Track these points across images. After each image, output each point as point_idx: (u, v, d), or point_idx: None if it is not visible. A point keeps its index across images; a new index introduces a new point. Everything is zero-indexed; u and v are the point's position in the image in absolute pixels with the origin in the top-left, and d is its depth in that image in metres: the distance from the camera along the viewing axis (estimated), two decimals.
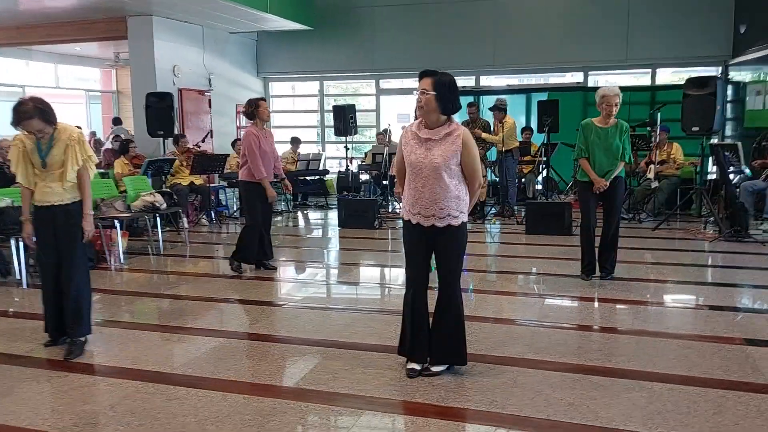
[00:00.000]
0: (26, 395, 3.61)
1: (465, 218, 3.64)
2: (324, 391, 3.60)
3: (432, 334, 3.76)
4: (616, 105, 5.56)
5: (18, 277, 6.16)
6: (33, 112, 4.00)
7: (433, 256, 3.73)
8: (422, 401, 3.45)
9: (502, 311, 5.22)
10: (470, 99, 11.03)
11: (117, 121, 14.68)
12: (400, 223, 3.87)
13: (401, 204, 3.78)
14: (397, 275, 6.60)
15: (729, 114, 11.82)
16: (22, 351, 4.35)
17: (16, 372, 3.97)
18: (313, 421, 3.26)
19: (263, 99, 6.63)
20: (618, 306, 5.25)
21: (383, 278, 6.70)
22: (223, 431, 3.14)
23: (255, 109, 6.37)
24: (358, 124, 11.50)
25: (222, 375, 3.87)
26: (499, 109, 9.59)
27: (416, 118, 3.78)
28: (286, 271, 6.84)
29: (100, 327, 4.77)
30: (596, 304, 5.34)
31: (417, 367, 3.77)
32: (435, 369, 3.75)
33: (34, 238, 4.31)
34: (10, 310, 5.47)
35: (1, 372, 3.97)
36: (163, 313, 5.33)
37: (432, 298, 3.78)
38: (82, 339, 4.33)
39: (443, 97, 3.50)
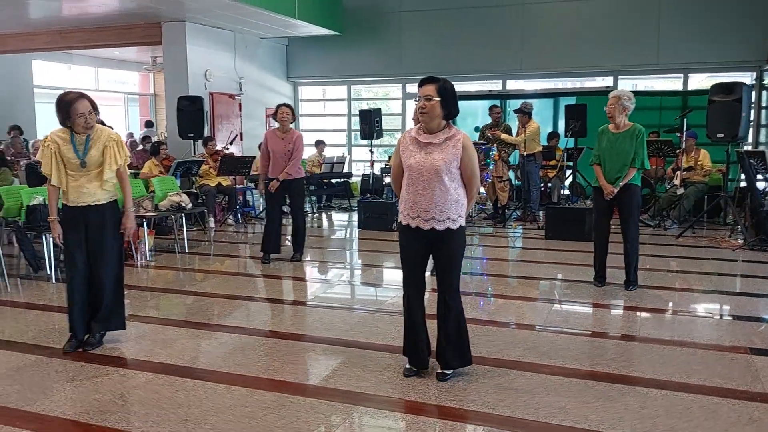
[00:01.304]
0: (43, 383, 3.82)
1: (463, 222, 3.70)
2: (323, 387, 3.72)
3: (438, 339, 3.83)
4: (610, 107, 5.58)
5: (48, 272, 6.44)
6: (83, 95, 4.16)
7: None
8: (416, 399, 3.54)
9: (509, 315, 5.26)
10: (494, 102, 11.04)
11: (149, 124, 15.14)
12: None
13: (399, 208, 3.87)
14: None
15: (763, 120, 11.60)
16: (43, 342, 4.57)
17: (35, 361, 4.19)
18: (308, 414, 3.37)
19: (284, 105, 7.09)
20: (626, 313, 5.26)
21: (393, 279, 6.77)
22: (223, 422, 3.28)
23: (274, 115, 7.09)
24: (385, 127, 11.64)
25: (229, 369, 4.02)
26: (524, 113, 9.60)
27: (415, 124, 3.87)
28: (301, 271, 6.99)
29: None
30: (604, 310, 5.35)
31: (414, 367, 3.86)
32: (443, 371, 3.80)
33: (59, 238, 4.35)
34: (40, 302, 5.73)
35: (21, 360, 4.19)
36: (181, 309, 5.52)
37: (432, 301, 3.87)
38: (104, 333, 4.51)
39: (447, 103, 3.59)
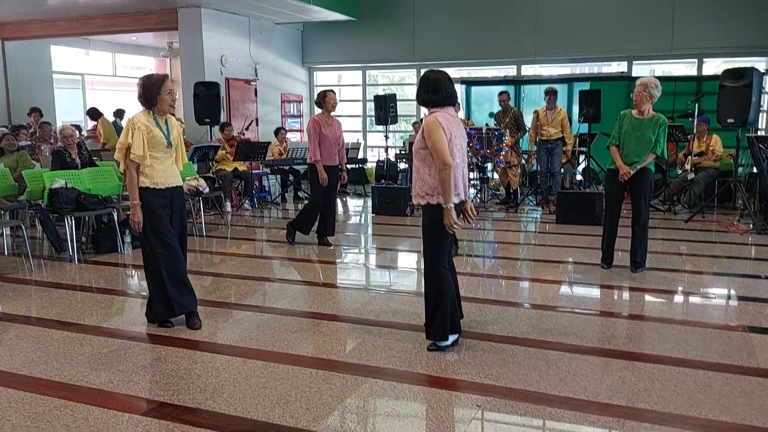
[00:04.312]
0: (68, 356, 4.03)
1: (433, 201, 3.87)
2: (334, 360, 3.91)
3: None
4: (637, 95, 5.65)
5: (71, 253, 6.67)
6: (166, 75, 4.31)
7: None
8: (423, 372, 3.71)
9: (516, 295, 5.43)
10: (506, 88, 11.08)
11: None
12: None
13: None
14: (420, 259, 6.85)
15: None
16: (67, 318, 4.80)
17: (60, 336, 4.41)
18: (320, 385, 3.55)
19: (331, 90, 7.14)
20: (631, 293, 5.38)
21: (405, 261, 6.95)
22: (240, 391, 3.47)
23: (322, 100, 7.06)
24: (400, 113, 11.77)
25: (245, 344, 4.21)
26: (555, 93, 9.73)
27: None
28: (316, 254, 7.17)
29: (143, 299, 5.22)
30: (609, 291, 5.49)
31: None
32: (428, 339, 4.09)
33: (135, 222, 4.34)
34: (63, 282, 5.95)
35: (48, 335, 4.42)
36: (198, 290, 5.69)
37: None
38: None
39: (419, 91, 3.99)
